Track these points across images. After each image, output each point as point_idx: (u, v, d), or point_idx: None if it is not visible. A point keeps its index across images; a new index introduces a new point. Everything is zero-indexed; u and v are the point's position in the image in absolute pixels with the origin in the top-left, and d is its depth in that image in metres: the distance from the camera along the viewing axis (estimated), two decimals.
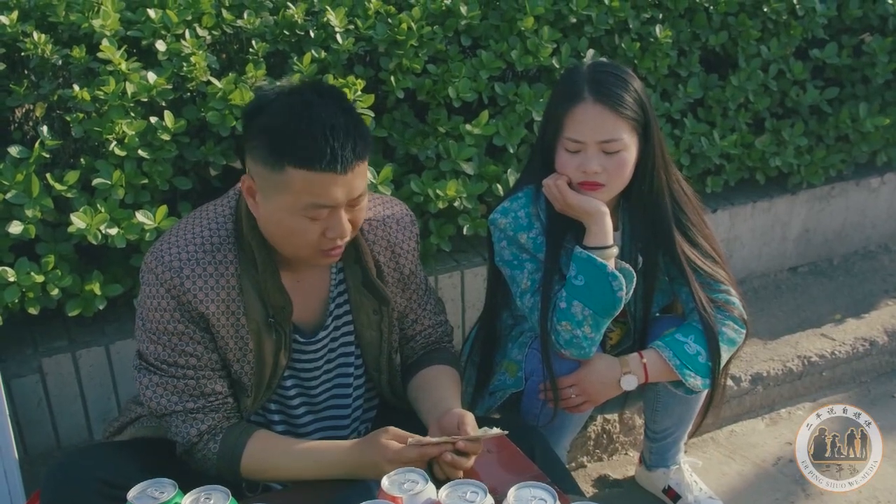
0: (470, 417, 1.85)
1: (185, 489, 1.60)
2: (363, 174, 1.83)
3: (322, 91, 1.82)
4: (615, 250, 2.23)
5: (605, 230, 2.22)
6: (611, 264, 2.21)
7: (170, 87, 2.62)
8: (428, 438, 1.78)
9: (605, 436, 3.01)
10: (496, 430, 1.79)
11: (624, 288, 2.21)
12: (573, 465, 2.95)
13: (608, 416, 2.99)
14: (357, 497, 1.61)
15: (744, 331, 2.36)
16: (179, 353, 1.88)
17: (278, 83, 1.85)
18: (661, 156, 2.28)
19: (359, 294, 2.04)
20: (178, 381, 1.89)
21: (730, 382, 3.17)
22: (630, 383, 2.31)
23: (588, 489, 2.89)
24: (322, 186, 1.76)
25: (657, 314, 2.51)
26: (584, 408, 2.38)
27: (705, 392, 2.44)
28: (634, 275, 2.24)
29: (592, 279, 2.20)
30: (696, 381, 2.30)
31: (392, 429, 1.80)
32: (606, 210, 2.23)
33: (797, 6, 3.58)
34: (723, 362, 2.32)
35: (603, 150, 2.18)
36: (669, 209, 2.31)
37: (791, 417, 3.26)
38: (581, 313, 2.21)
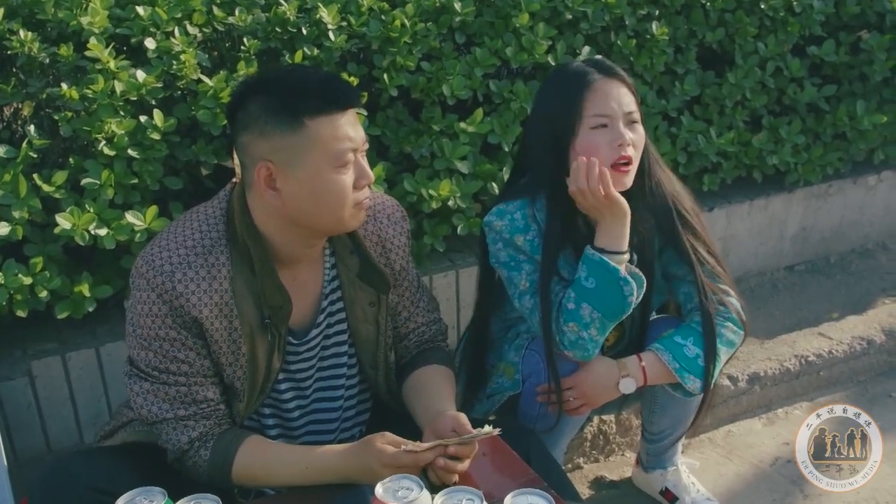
0: (463, 419, 1.82)
1: (177, 496, 1.57)
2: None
3: (288, 64, 1.88)
4: (627, 256, 2.21)
5: (624, 233, 2.19)
6: (623, 269, 2.18)
7: (160, 85, 2.59)
8: (421, 444, 1.75)
9: (601, 437, 2.99)
10: (488, 429, 1.77)
11: (634, 293, 2.18)
12: (569, 466, 2.93)
13: (605, 417, 2.97)
14: (350, 503, 1.59)
15: (742, 332, 2.33)
16: (171, 360, 1.85)
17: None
18: (651, 148, 2.28)
19: (353, 287, 2.02)
20: (170, 388, 1.86)
21: (727, 382, 3.16)
22: (628, 386, 2.28)
23: (584, 491, 2.87)
24: (342, 128, 1.81)
25: (653, 315, 2.49)
26: (583, 411, 2.35)
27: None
28: (644, 280, 2.21)
29: (603, 283, 2.17)
30: (695, 385, 2.27)
31: (388, 434, 1.78)
32: (629, 213, 2.19)
33: (794, 3, 3.57)
34: (721, 364, 2.30)
35: (628, 121, 2.18)
36: (670, 201, 2.29)
37: (788, 417, 3.24)
38: (589, 315, 2.19)
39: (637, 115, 2.19)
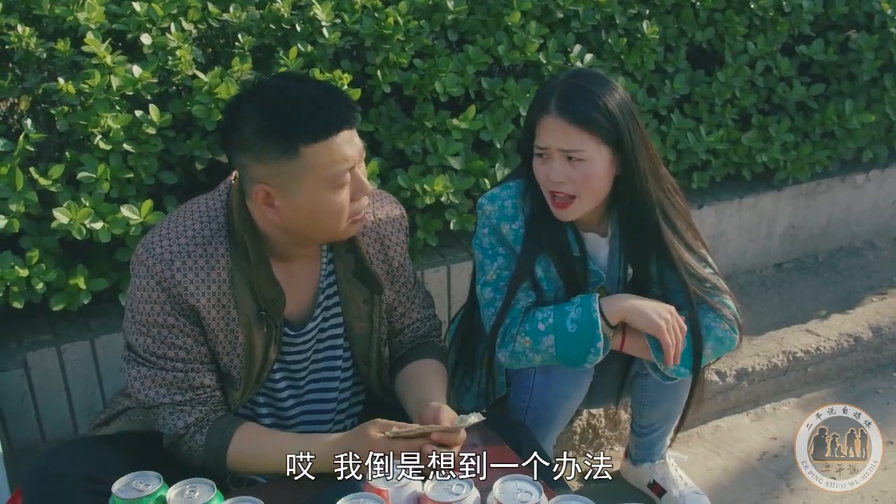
0: (446, 411, 1.84)
1: (170, 483, 1.59)
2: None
3: (284, 75, 1.94)
4: (611, 333, 2.23)
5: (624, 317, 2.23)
6: (602, 342, 2.20)
7: (155, 80, 2.61)
8: (409, 426, 1.77)
9: (590, 430, 3.01)
10: (474, 418, 1.79)
11: (595, 362, 2.23)
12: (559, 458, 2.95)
13: (594, 411, 2.99)
14: (343, 490, 1.61)
15: (735, 335, 2.33)
16: (169, 346, 1.88)
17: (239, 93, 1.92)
18: (643, 168, 2.20)
19: (349, 284, 2.04)
20: (167, 374, 1.88)
21: (715, 377, 3.18)
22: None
23: (573, 483, 2.89)
24: (339, 149, 1.80)
25: None
26: None
27: (690, 387, 2.44)
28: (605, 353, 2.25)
29: (580, 337, 2.18)
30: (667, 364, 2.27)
31: (380, 421, 1.80)
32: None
33: (784, 2, 3.59)
34: (707, 359, 2.31)
35: (567, 157, 2.14)
36: (660, 222, 2.25)
37: (776, 413, 3.27)
38: (546, 347, 2.20)
39: (584, 154, 2.12)
